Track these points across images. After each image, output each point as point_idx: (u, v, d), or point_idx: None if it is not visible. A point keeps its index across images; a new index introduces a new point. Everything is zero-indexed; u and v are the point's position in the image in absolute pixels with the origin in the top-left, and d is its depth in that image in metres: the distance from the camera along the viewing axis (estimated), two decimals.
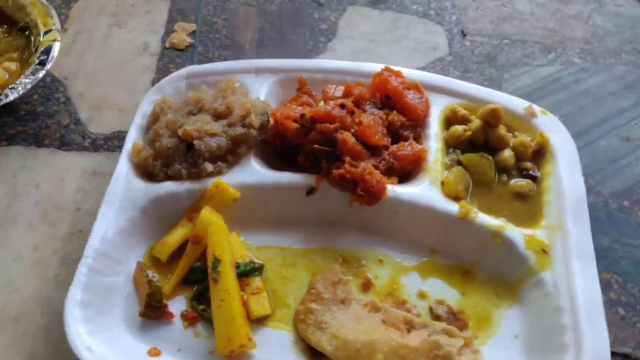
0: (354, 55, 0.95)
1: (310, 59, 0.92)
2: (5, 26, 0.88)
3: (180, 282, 0.69)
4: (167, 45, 0.94)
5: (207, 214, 0.71)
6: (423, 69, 0.88)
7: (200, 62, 0.92)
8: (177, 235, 0.70)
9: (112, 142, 0.82)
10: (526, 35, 1.00)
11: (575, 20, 1.03)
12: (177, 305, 0.67)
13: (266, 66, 0.84)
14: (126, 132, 0.82)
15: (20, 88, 0.77)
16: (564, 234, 0.70)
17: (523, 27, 1.01)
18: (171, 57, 0.92)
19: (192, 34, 0.96)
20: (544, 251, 0.69)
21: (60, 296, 0.68)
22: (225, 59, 0.92)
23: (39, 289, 0.69)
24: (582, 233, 0.69)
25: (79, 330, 0.61)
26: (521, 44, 0.99)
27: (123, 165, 0.74)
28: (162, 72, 0.90)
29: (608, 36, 1.00)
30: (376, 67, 0.82)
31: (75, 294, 0.64)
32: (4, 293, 0.68)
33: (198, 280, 0.68)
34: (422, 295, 0.69)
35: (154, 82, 0.89)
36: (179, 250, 0.70)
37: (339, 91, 0.79)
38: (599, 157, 0.84)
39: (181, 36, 0.94)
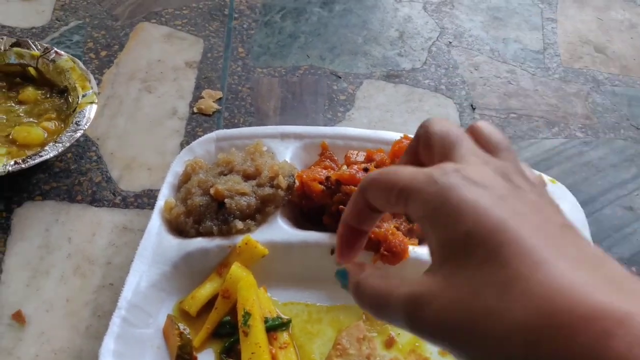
0: (371, 124, 1.00)
1: (331, 126, 0.97)
2: (46, 89, 0.93)
3: (210, 335, 0.71)
4: (195, 110, 0.99)
5: (236, 269, 0.74)
6: None
7: (226, 127, 0.97)
8: (206, 290, 0.73)
9: (142, 200, 0.86)
10: (531, 110, 1.07)
11: (576, 98, 1.10)
12: (206, 359, 0.69)
13: (291, 132, 0.89)
14: (155, 190, 0.86)
15: (59, 146, 0.81)
16: None
17: (528, 103, 1.08)
18: (199, 122, 0.97)
19: (219, 100, 1.01)
20: None
21: (91, 347, 0.70)
22: (250, 125, 0.97)
23: (70, 340, 0.71)
24: None
25: None
26: (527, 118, 1.05)
27: (155, 222, 0.77)
28: (190, 135, 0.95)
29: (607, 113, 1.07)
30: (395, 135, 0.88)
31: (109, 344, 0.65)
32: (36, 343, 0.70)
33: (227, 334, 0.71)
34: (443, 354, 0.71)
35: (182, 145, 0.93)
36: (208, 304, 0.73)
37: (361, 156, 0.84)
38: (605, 225, 0.88)
39: (208, 102, 1.00)
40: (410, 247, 0.75)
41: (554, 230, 0.33)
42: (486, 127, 0.43)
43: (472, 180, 0.35)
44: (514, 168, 0.38)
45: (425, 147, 0.41)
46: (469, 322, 0.31)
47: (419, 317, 0.34)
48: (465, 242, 0.33)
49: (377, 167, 0.81)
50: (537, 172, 0.86)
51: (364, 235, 0.46)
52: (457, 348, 0.33)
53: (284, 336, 0.70)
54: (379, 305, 0.37)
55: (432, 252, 0.36)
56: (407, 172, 0.38)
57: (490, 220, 0.33)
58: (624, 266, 0.31)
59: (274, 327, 0.70)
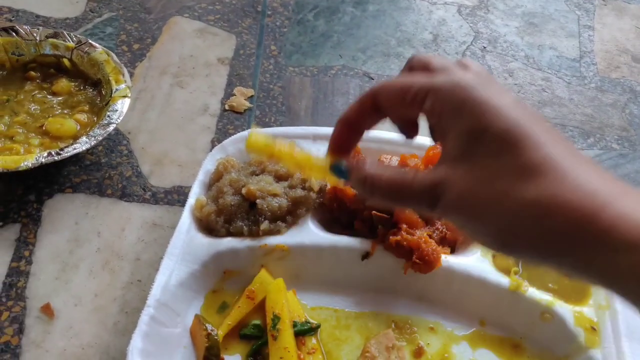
0: None
1: None
2: (80, 80, 0.93)
3: (234, 332, 0.70)
4: (227, 107, 0.98)
5: (265, 273, 0.73)
6: None
7: (257, 125, 0.96)
8: (237, 315, 0.71)
9: (172, 196, 0.85)
10: (566, 120, 1.05)
11: (612, 109, 1.08)
12: None
13: (323, 133, 0.87)
14: (186, 187, 0.86)
15: (92, 139, 0.81)
16: (612, 313, 0.71)
17: (562, 112, 1.06)
18: (230, 119, 0.97)
19: (250, 98, 1.00)
20: (593, 329, 0.70)
21: (118, 344, 0.70)
22: (281, 124, 0.97)
23: (98, 335, 0.71)
24: (631, 314, 0.71)
25: None
26: (561, 128, 1.03)
27: (185, 219, 0.76)
28: (221, 132, 0.94)
29: None
30: (428, 140, 0.86)
31: (137, 342, 0.65)
32: (65, 337, 0.70)
33: (254, 337, 0.70)
34: None
35: (213, 142, 0.93)
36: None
37: (395, 161, 0.83)
38: None
39: (240, 100, 0.99)
40: (443, 256, 0.74)
41: (558, 135, 0.39)
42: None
43: (486, 84, 0.41)
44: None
45: (422, 68, 0.45)
46: (488, 200, 0.38)
47: (443, 199, 0.40)
48: (485, 134, 0.39)
49: None
50: None
51: (358, 135, 0.50)
52: (476, 224, 0.39)
53: (312, 341, 0.69)
54: (399, 193, 0.43)
55: (449, 144, 0.41)
56: (422, 76, 0.43)
57: (508, 118, 0.38)
58: None
59: (303, 332, 0.69)
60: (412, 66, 0.46)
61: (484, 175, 0.38)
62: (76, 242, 0.79)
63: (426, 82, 0.42)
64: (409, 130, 0.50)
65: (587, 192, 0.36)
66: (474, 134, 0.39)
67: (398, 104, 0.45)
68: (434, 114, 0.42)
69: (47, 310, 0.72)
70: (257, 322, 0.71)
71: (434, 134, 0.46)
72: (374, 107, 0.47)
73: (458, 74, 0.42)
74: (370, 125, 0.50)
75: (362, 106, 0.48)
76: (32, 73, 0.93)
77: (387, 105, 0.46)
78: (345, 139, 0.50)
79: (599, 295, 0.73)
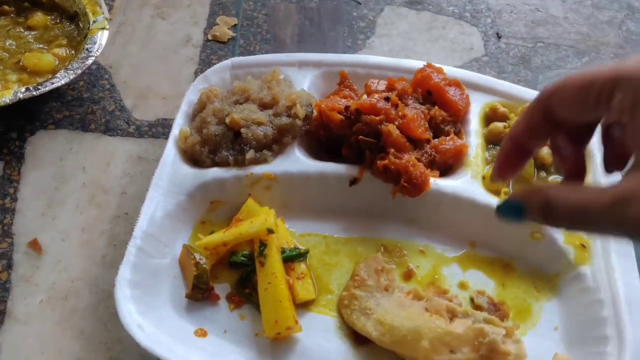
0: (392, 52, 0.96)
1: (350, 54, 0.93)
2: (55, 14, 0.90)
3: (224, 261, 0.70)
4: (210, 37, 0.96)
5: (252, 202, 0.73)
6: (460, 68, 0.90)
7: (241, 55, 0.93)
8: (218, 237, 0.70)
9: (157, 129, 0.84)
10: (560, 39, 1.02)
11: (608, 26, 1.04)
12: (223, 289, 0.68)
13: (309, 60, 0.85)
14: (170, 119, 0.84)
15: (71, 73, 0.79)
16: None
17: (557, 31, 1.03)
18: (213, 49, 0.94)
19: (234, 27, 0.97)
20: (582, 246, 0.70)
21: (107, 276, 0.70)
22: (267, 53, 0.94)
23: (87, 269, 0.71)
24: None
25: (129, 309, 0.63)
26: (555, 48, 1.00)
27: (170, 151, 0.75)
28: (204, 63, 0.92)
29: None
30: (417, 63, 0.84)
31: (125, 273, 0.65)
32: (54, 271, 0.70)
33: (244, 265, 0.70)
34: (463, 286, 0.70)
35: (196, 73, 0.90)
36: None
37: (382, 85, 0.81)
38: None
39: (223, 29, 0.96)
40: (431, 179, 0.73)
41: None
42: None
43: None
44: None
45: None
46: None
47: (627, 215, 0.34)
48: None
49: (398, 96, 0.78)
50: None
51: (528, 155, 0.44)
52: None
53: (301, 267, 0.69)
54: (581, 215, 0.36)
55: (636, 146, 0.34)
56: (606, 67, 0.36)
57: None
58: None
59: (292, 258, 0.69)
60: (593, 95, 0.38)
61: None
62: (61, 178, 0.78)
63: (614, 71, 0.35)
64: (584, 137, 0.42)
65: None
66: None
67: (578, 107, 0.38)
68: (626, 109, 0.35)
69: (35, 246, 0.72)
70: (247, 252, 0.70)
71: (614, 148, 0.39)
72: (546, 117, 0.40)
73: None
74: (542, 142, 0.43)
75: (532, 119, 0.41)
76: (6, 7, 0.89)
77: (565, 111, 0.39)
78: (513, 161, 0.44)
79: None
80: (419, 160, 0.74)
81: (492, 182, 0.51)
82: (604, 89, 0.35)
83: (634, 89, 0.34)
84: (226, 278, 0.69)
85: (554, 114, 0.39)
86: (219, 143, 0.75)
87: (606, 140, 0.41)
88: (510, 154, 0.44)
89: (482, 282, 0.70)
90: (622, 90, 0.34)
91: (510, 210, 0.40)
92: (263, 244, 0.67)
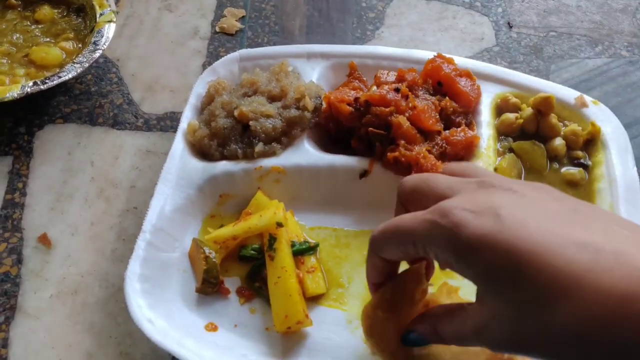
0: (402, 43, 0.95)
1: (359, 45, 0.92)
2: (62, 7, 0.89)
3: (234, 255, 0.69)
4: (217, 29, 0.95)
5: (261, 196, 0.72)
6: (471, 58, 0.88)
7: (249, 47, 0.93)
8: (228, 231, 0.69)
9: (165, 123, 0.83)
10: (573, 28, 1.00)
11: (622, 14, 1.02)
12: (233, 283, 0.68)
13: (318, 51, 0.84)
14: (178, 113, 0.84)
15: (78, 67, 0.78)
16: None
17: (569, 20, 1.01)
18: (221, 42, 0.93)
19: (242, 19, 0.97)
20: None
21: (117, 271, 0.69)
22: (275, 45, 0.93)
23: (96, 263, 0.70)
24: (636, 220, 0.69)
25: (139, 303, 0.62)
26: (568, 37, 0.99)
27: (178, 144, 0.75)
28: (212, 55, 0.91)
29: None
30: (427, 54, 0.83)
31: (134, 267, 0.65)
32: (63, 265, 0.70)
33: (254, 259, 0.69)
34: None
35: (204, 65, 0.90)
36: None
37: (392, 76, 0.80)
38: None
39: (231, 21, 0.95)
40: None
41: (566, 218, 0.39)
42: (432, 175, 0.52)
43: (470, 210, 0.40)
44: (491, 176, 0.47)
45: (411, 204, 0.49)
46: (522, 336, 0.38)
47: (488, 339, 0.41)
48: (491, 275, 0.38)
49: (408, 87, 0.77)
50: (577, 93, 0.81)
51: (393, 271, 0.52)
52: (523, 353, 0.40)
53: (311, 260, 0.69)
54: (459, 339, 0.45)
55: (475, 283, 0.41)
56: (408, 220, 0.44)
57: (502, 248, 0.37)
58: None
59: (302, 251, 0.68)
60: (402, 204, 0.51)
61: (510, 314, 0.39)
62: (70, 172, 0.78)
63: (416, 231, 0.43)
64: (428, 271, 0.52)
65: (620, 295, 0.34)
66: (483, 277, 0.40)
67: (405, 257, 0.48)
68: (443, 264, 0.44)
69: (45, 240, 0.72)
70: (256, 245, 0.70)
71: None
72: (385, 262, 0.50)
73: (444, 208, 0.42)
74: (395, 269, 0.52)
75: (375, 270, 0.51)
76: (13, 1, 0.89)
77: (397, 258, 0.50)
78: (381, 284, 0.53)
79: (604, 203, 0.72)
80: (429, 152, 0.73)
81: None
82: (417, 246, 0.44)
83: (439, 251, 0.42)
84: (236, 272, 0.69)
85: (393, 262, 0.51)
86: (228, 136, 0.74)
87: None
88: (376, 288, 0.53)
89: None
90: (430, 250, 0.43)
91: (415, 342, 0.50)
92: (273, 238, 0.67)
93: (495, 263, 0.38)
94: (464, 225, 0.39)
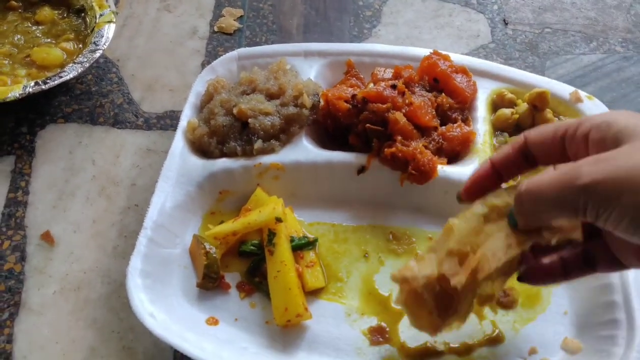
0: (399, 41, 0.96)
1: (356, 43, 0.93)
2: (63, 8, 0.91)
3: (234, 251, 0.70)
4: (216, 29, 0.96)
5: (260, 192, 0.73)
6: (467, 55, 0.89)
7: (248, 46, 0.94)
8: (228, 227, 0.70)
9: (165, 121, 0.84)
10: (568, 25, 1.01)
11: (617, 10, 1.03)
12: (233, 278, 0.69)
13: (315, 49, 0.85)
14: (178, 111, 0.85)
15: (79, 67, 0.79)
16: None
17: (564, 17, 1.02)
18: (220, 41, 0.94)
19: (240, 18, 0.98)
20: None
21: (119, 267, 0.70)
22: (273, 44, 0.94)
23: (98, 260, 0.71)
24: None
25: (141, 298, 0.63)
26: (563, 33, 1.00)
27: (178, 142, 0.76)
28: (211, 55, 0.92)
29: None
30: (424, 51, 0.84)
31: (136, 263, 0.66)
32: (66, 262, 0.71)
33: (253, 254, 0.70)
34: None
35: (203, 65, 0.91)
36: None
37: (389, 73, 0.81)
38: None
39: (229, 21, 0.96)
40: (439, 166, 0.73)
41: None
42: None
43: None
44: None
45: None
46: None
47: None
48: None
49: (405, 83, 0.78)
50: (572, 88, 0.82)
51: (498, 183, 0.52)
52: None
53: (310, 255, 0.70)
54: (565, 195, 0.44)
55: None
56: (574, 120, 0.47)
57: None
58: None
59: (301, 246, 0.70)
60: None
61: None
62: (71, 170, 0.79)
63: (577, 120, 0.47)
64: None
65: None
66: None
67: (549, 143, 0.48)
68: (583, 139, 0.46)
69: (47, 238, 0.73)
70: (256, 241, 0.71)
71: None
72: (524, 153, 0.50)
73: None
74: (515, 173, 0.52)
75: (513, 151, 0.51)
76: (14, 3, 0.90)
77: (538, 146, 0.49)
78: (485, 181, 0.53)
79: None
80: (426, 147, 0.74)
81: (460, 201, 0.54)
82: (569, 127, 0.47)
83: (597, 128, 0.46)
84: (236, 267, 0.70)
85: (529, 153, 0.50)
86: (227, 134, 0.75)
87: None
88: (484, 175, 0.53)
89: None
90: (583, 127, 0.46)
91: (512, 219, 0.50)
92: (272, 233, 0.68)
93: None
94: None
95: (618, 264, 0.52)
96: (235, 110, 0.75)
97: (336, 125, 0.77)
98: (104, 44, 0.83)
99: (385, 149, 0.73)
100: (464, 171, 0.73)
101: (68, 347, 0.64)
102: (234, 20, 0.97)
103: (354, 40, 0.96)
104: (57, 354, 0.64)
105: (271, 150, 0.75)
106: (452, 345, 0.64)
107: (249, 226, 0.69)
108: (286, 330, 0.65)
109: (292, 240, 0.69)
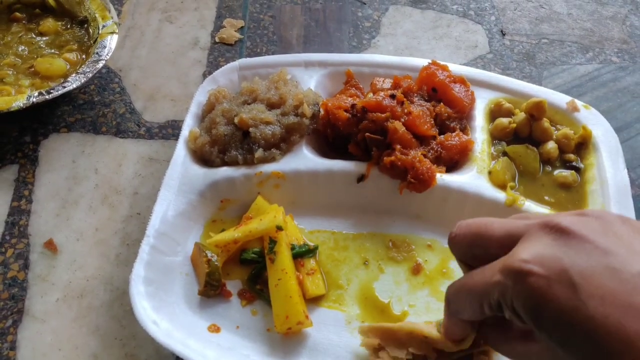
0: (397, 51, 0.97)
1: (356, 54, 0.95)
2: (66, 19, 0.92)
3: (235, 258, 0.71)
4: (217, 40, 0.97)
5: (261, 200, 0.74)
6: (465, 65, 0.91)
7: (248, 56, 0.95)
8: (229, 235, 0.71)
9: (167, 131, 0.85)
10: (564, 35, 1.02)
11: (612, 21, 1.05)
12: (235, 286, 0.70)
13: (315, 60, 0.86)
14: (179, 121, 0.86)
15: (82, 77, 0.80)
16: None
17: (561, 28, 1.04)
18: (221, 52, 0.96)
19: (240, 29, 0.99)
20: None
21: (121, 275, 0.71)
22: (273, 54, 0.95)
23: (101, 267, 0.72)
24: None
25: (143, 305, 0.64)
26: (559, 44, 1.01)
27: (180, 151, 0.77)
28: (212, 65, 0.94)
29: None
30: (422, 61, 0.85)
31: (139, 270, 0.66)
32: (69, 270, 0.72)
33: (255, 262, 0.71)
34: None
35: (205, 75, 0.92)
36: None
37: (388, 83, 0.82)
38: (639, 151, 0.86)
39: (230, 32, 0.98)
40: (438, 175, 0.74)
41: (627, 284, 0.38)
42: None
43: (543, 276, 0.39)
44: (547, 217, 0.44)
45: (470, 260, 0.49)
46: None
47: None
48: (565, 342, 0.39)
49: (404, 93, 0.79)
50: (569, 98, 0.83)
51: (474, 327, 0.53)
52: None
53: (311, 263, 0.70)
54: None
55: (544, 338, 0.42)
56: (480, 281, 0.45)
57: (581, 329, 0.38)
58: None
59: (301, 254, 0.70)
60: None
61: None
62: (74, 179, 0.80)
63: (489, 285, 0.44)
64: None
65: None
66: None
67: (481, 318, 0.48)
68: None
69: (51, 246, 0.73)
70: (257, 249, 0.72)
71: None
72: (468, 324, 0.52)
73: (513, 263, 0.42)
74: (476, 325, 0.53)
75: (458, 328, 0.53)
76: (18, 14, 0.91)
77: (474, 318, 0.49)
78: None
79: (596, 205, 0.74)
80: (425, 156, 0.75)
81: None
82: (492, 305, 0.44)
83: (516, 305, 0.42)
84: (237, 275, 0.71)
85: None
86: (228, 143, 0.76)
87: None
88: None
89: None
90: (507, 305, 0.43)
91: None
92: (273, 241, 0.69)
93: (572, 336, 0.38)
94: (541, 296, 0.39)
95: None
96: (236, 120, 0.77)
97: (336, 134, 0.78)
98: (107, 54, 0.84)
99: (385, 158, 0.74)
100: (462, 179, 0.74)
101: (71, 354, 0.65)
102: (235, 31, 0.98)
103: (354, 51, 0.97)
104: None
105: (272, 159, 0.76)
106: None
107: (250, 234, 0.70)
108: (287, 338, 0.65)
109: (292, 248, 0.70)
